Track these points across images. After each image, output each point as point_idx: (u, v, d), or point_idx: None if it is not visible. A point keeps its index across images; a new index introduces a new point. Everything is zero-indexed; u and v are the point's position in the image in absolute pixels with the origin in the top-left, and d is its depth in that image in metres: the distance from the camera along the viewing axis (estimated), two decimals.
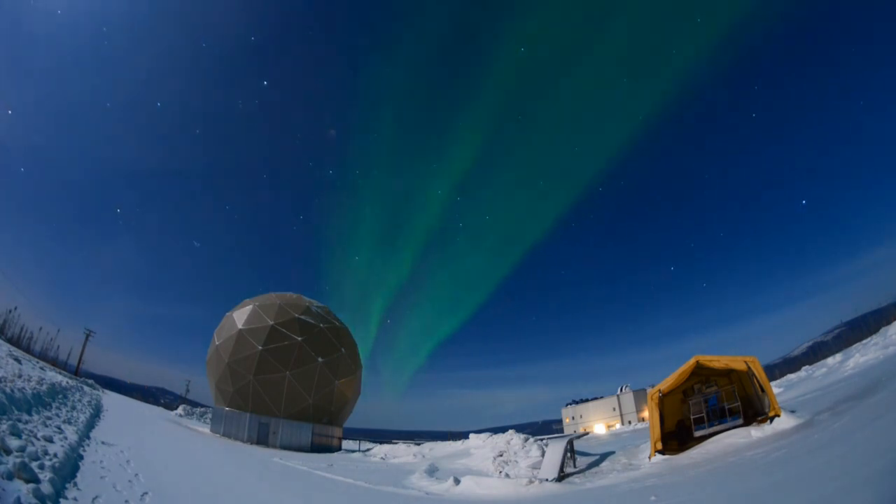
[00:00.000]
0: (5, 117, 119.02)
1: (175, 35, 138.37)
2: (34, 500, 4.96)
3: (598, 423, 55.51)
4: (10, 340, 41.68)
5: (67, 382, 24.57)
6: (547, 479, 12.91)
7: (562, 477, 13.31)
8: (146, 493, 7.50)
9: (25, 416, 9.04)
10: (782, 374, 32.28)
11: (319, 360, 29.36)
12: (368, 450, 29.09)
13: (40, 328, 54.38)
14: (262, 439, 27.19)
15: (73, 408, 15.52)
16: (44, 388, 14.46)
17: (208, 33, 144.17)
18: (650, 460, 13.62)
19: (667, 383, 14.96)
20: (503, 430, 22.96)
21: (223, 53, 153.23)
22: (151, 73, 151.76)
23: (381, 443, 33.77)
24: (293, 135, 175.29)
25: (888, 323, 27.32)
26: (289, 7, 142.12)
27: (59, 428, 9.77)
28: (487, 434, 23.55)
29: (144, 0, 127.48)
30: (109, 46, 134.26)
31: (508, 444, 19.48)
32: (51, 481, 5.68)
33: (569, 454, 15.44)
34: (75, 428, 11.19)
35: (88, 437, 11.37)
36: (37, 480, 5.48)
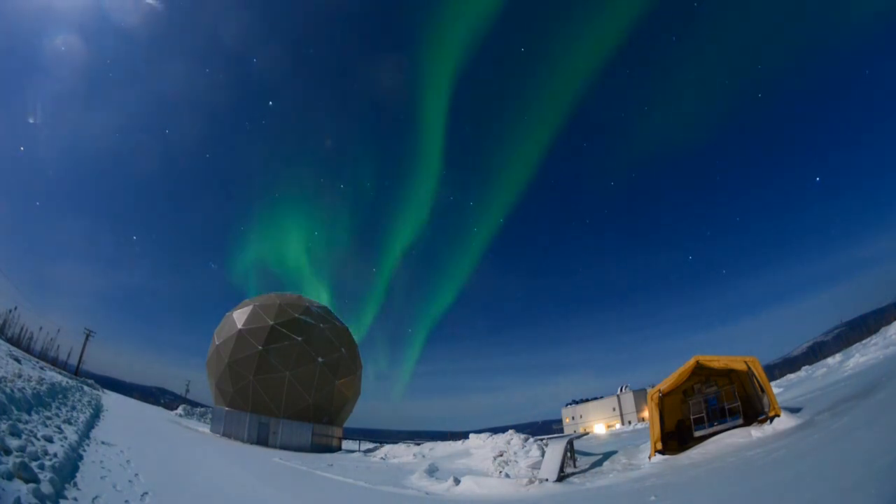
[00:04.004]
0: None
1: (179, 63, 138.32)
2: (34, 500, 4.97)
3: (598, 423, 55.51)
4: (10, 340, 41.66)
5: (67, 382, 24.57)
6: (547, 480, 12.91)
7: (562, 477, 13.31)
8: (146, 493, 7.51)
9: (25, 416, 9.04)
10: (782, 374, 32.26)
11: (319, 360, 29.37)
12: (370, 450, 29.10)
13: (40, 328, 54.17)
14: (262, 439, 27.18)
15: (73, 408, 15.52)
16: (44, 388, 14.46)
17: (210, 60, 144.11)
18: (650, 460, 13.62)
19: (667, 383, 14.96)
20: (503, 430, 22.97)
21: (227, 79, 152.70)
22: (157, 103, 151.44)
23: (381, 443, 33.76)
24: (299, 147, 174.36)
25: (888, 323, 27.36)
26: (285, 23, 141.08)
27: (59, 428, 9.77)
28: (487, 434, 23.54)
29: (146, 32, 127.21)
30: (113, 80, 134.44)
31: (508, 444, 19.49)
32: (51, 481, 5.68)
33: (569, 454, 15.44)
34: (75, 428, 11.20)
35: (88, 437, 11.37)
36: (37, 480, 5.48)
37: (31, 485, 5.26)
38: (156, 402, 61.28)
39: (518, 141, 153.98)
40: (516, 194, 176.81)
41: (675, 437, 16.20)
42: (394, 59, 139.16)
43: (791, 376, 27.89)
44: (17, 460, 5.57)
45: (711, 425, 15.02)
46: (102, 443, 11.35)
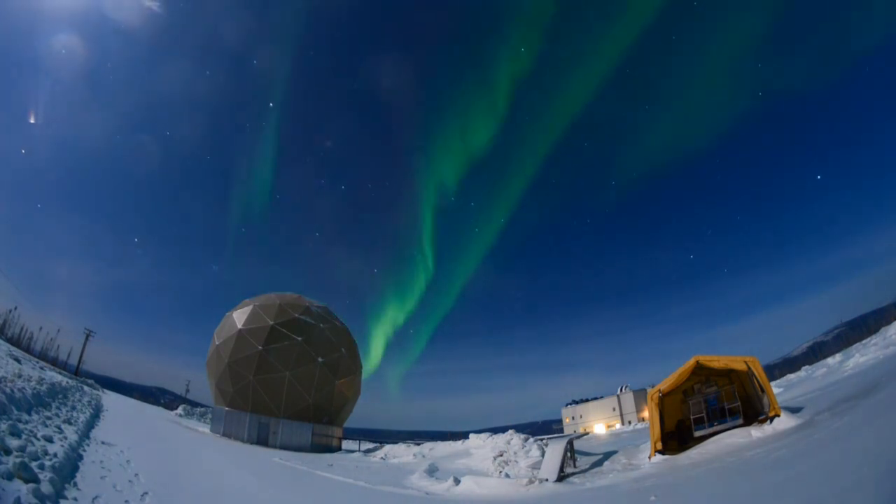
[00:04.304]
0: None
1: (179, 66, 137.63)
2: (34, 500, 4.96)
3: (598, 423, 55.49)
4: (10, 340, 41.66)
5: (67, 382, 24.57)
6: (547, 480, 12.91)
7: (562, 477, 13.32)
8: (146, 493, 7.50)
9: (25, 416, 9.04)
10: (782, 374, 32.25)
11: (319, 360, 29.37)
12: (370, 450, 29.11)
13: (40, 328, 54.23)
14: (262, 439, 27.19)
15: (73, 408, 15.51)
16: (44, 388, 14.46)
17: (210, 62, 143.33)
18: (650, 460, 13.62)
19: (667, 383, 14.97)
20: (503, 430, 22.98)
21: (227, 81, 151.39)
22: (157, 103, 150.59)
23: (381, 443, 33.75)
24: (301, 149, 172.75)
25: (888, 323, 27.36)
26: (285, 24, 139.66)
27: (59, 428, 9.77)
28: (487, 434, 23.55)
29: (146, 33, 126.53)
30: (113, 81, 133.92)
31: (508, 444, 19.49)
32: (51, 481, 5.68)
33: (569, 454, 15.44)
34: (75, 428, 11.19)
35: (88, 437, 11.36)
36: (37, 480, 5.48)
37: (31, 485, 5.26)
38: (156, 402, 61.33)
39: (520, 141, 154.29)
40: (518, 194, 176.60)
41: (675, 437, 16.20)
42: (398, 56, 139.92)
43: (791, 376, 27.88)
44: (17, 460, 5.57)
45: (711, 425, 15.02)
46: (102, 443, 11.34)
